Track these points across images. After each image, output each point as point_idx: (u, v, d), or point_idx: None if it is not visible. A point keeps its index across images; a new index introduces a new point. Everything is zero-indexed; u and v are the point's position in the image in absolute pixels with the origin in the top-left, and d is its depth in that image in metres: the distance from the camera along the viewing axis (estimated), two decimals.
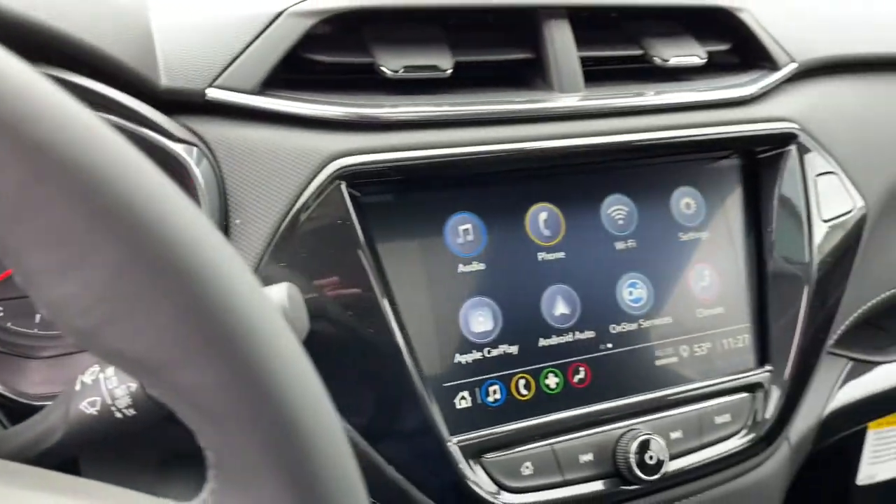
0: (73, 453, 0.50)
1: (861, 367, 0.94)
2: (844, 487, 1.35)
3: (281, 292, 0.43)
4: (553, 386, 0.67)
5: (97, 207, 0.24)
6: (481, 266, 0.66)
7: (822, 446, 0.90)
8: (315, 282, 0.58)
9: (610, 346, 0.69)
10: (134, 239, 0.24)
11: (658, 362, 0.71)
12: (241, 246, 0.58)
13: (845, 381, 0.92)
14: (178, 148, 0.55)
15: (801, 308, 0.74)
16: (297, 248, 0.58)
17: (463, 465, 0.61)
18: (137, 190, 0.25)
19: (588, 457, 0.66)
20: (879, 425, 1.09)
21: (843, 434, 0.93)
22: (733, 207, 0.76)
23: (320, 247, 0.58)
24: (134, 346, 0.26)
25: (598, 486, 0.66)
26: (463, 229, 0.66)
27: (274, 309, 0.27)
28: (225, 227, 0.58)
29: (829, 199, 0.76)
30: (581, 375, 0.68)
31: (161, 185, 0.26)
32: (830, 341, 0.82)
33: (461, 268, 0.65)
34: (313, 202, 0.58)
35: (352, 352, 0.60)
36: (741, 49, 0.80)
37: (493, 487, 0.62)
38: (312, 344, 0.58)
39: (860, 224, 0.78)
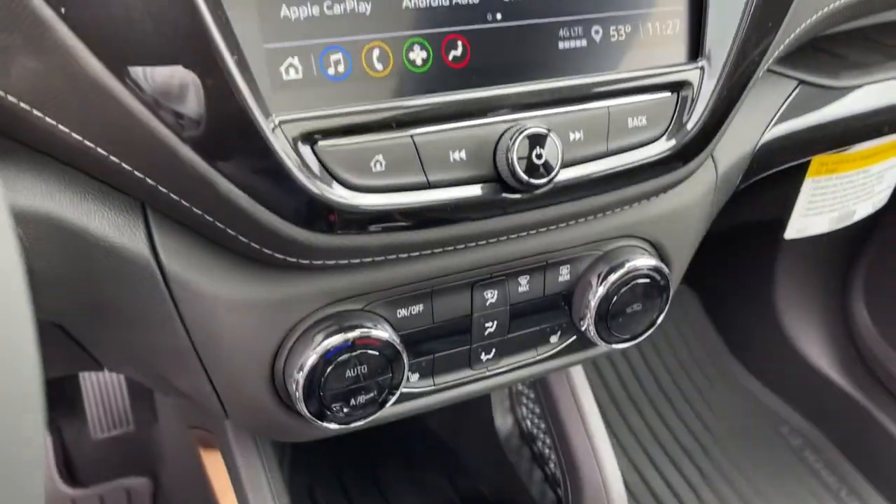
0: None
1: (808, 93, 0.80)
2: (772, 243, 1.29)
3: None
4: (419, 62, 0.51)
5: None
6: None
7: (754, 179, 0.78)
8: None
9: (499, 16, 0.53)
10: None
11: (562, 44, 0.55)
12: None
13: (791, 106, 0.78)
14: None
15: None
16: None
17: (287, 150, 0.46)
18: None
19: (460, 154, 0.51)
20: (818, 172, 0.98)
21: (779, 168, 0.82)
22: None
23: None
24: None
25: (471, 190, 0.52)
26: None
27: None
28: None
29: None
30: (458, 52, 0.52)
31: None
32: (776, 52, 0.67)
33: None
34: None
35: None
36: None
37: (328, 180, 0.48)
38: None
39: None
